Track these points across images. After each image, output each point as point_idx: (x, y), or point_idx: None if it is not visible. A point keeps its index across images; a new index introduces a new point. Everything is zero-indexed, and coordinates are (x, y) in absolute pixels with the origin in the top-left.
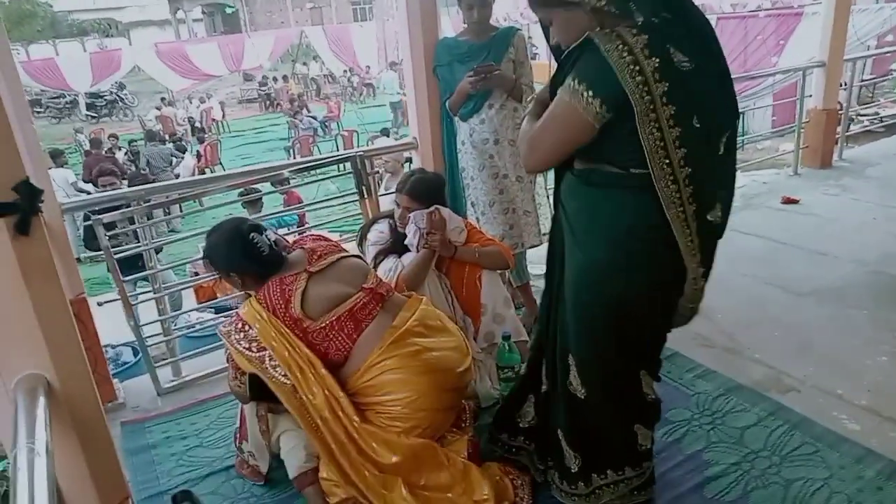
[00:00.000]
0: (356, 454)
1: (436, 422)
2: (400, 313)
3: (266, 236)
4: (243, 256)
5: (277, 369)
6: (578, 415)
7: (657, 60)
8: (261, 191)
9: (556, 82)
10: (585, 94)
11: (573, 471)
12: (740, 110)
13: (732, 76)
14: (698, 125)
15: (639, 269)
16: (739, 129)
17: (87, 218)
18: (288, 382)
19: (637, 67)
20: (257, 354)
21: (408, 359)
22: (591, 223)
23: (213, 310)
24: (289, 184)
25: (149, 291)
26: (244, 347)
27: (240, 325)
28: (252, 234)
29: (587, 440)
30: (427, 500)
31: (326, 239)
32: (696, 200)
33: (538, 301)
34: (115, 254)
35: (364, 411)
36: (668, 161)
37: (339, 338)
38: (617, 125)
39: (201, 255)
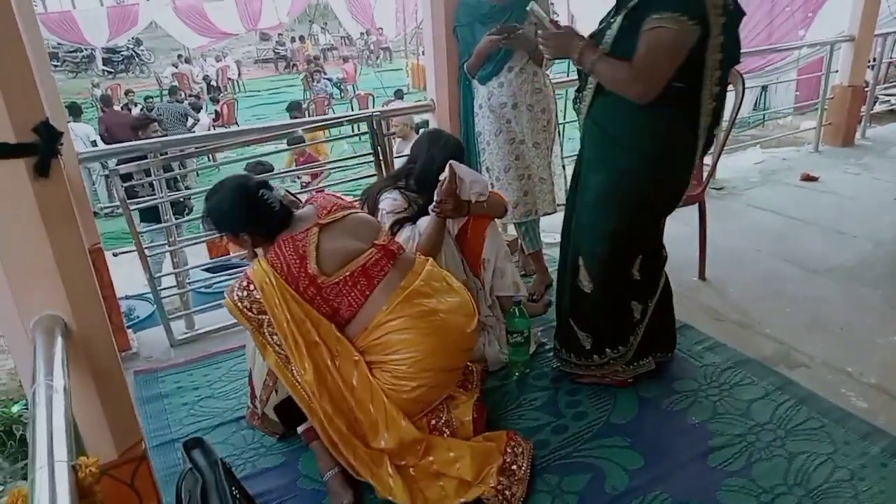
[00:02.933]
0: (346, 429)
1: (441, 382)
2: (408, 274)
3: (276, 192)
4: (252, 215)
5: (274, 337)
6: (584, 304)
7: None
8: (272, 168)
9: (632, 16)
10: (684, 19)
11: (587, 348)
12: (764, 84)
13: (757, 48)
14: (725, 58)
15: (666, 166)
16: (761, 105)
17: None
18: (282, 353)
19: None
20: (257, 317)
21: (415, 319)
22: (632, 129)
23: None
24: (304, 143)
25: (164, 244)
26: (245, 307)
27: (245, 284)
28: (261, 191)
29: (596, 323)
30: (412, 478)
31: (336, 196)
32: (713, 117)
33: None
34: (132, 206)
35: (371, 370)
36: (712, 79)
37: (353, 294)
38: None
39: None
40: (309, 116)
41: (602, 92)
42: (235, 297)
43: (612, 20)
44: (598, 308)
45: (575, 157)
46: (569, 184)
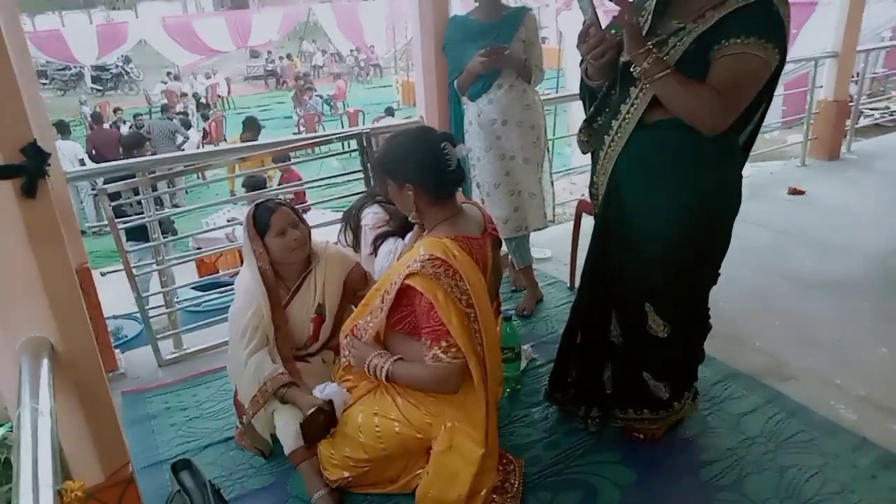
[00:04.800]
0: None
1: None
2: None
3: (458, 150)
4: (429, 165)
5: (477, 335)
6: (662, 352)
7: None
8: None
9: (706, 37)
10: (769, 46)
11: (665, 398)
12: None
13: None
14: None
15: (732, 197)
16: None
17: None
18: (481, 354)
19: (788, 24)
20: (466, 310)
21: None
22: (691, 164)
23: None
24: (289, 160)
25: (152, 263)
26: (457, 297)
27: (451, 272)
28: (444, 143)
29: (675, 369)
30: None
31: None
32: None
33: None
34: (120, 224)
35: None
36: (760, 109)
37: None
38: None
39: (204, 227)
40: (299, 133)
41: (645, 124)
42: (446, 286)
43: (665, 38)
44: (679, 349)
45: (565, 173)
46: (596, 228)
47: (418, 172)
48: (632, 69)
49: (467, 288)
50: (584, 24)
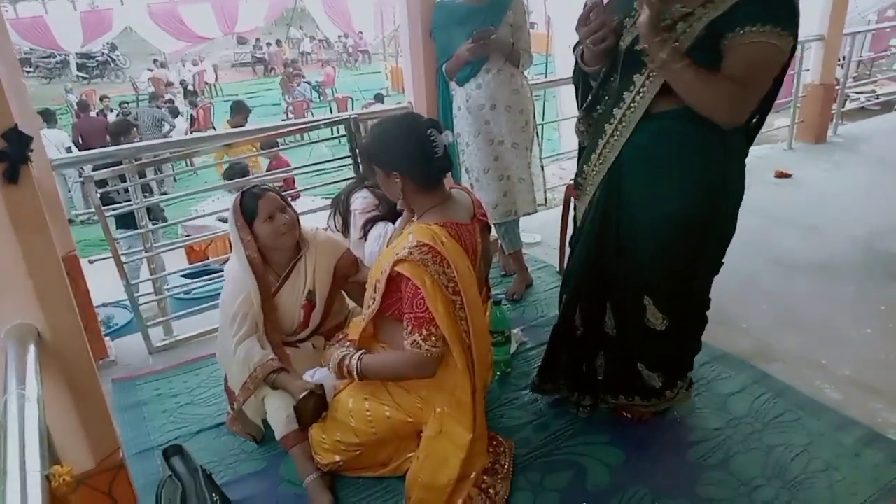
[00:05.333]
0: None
1: None
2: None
3: (445, 136)
4: (416, 153)
5: (463, 323)
6: (658, 344)
7: None
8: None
9: (718, 24)
10: (785, 34)
11: (657, 387)
12: None
13: None
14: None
15: (736, 187)
16: None
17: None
18: (467, 341)
19: (799, 9)
20: (453, 297)
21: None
22: (696, 155)
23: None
24: (278, 146)
25: (141, 250)
26: (444, 284)
27: (439, 259)
28: (430, 131)
29: (669, 361)
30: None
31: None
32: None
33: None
34: (108, 212)
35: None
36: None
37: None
38: None
39: (194, 214)
40: (288, 120)
41: (649, 114)
42: (434, 272)
43: (671, 23)
44: (676, 342)
45: (554, 158)
46: (585, 220)
47: (405, 160)
48: (644, 58)
49: (454, 275)
50: (584, 7)
